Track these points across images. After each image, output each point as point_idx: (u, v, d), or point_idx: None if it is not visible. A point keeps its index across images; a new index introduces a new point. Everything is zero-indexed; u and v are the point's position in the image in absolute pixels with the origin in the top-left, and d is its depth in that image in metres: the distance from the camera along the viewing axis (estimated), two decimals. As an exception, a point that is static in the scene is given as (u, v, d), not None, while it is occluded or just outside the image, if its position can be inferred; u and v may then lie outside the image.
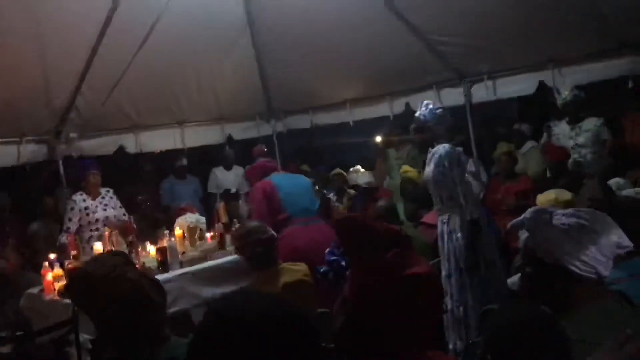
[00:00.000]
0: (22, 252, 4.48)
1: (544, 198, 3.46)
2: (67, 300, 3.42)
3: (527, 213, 2.05)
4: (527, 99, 5.16)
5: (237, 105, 6.34)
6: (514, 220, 2.14)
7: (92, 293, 1.71)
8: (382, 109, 5.92)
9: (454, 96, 5.26)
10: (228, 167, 6.70)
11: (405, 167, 5.13)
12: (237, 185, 6.62)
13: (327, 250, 3.65)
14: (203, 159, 6.96)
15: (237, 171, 6.72)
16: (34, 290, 3.82)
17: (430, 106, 3.84)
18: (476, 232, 3.54)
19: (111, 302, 1.66)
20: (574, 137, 4.88)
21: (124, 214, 4.92)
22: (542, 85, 4.77)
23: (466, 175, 3.67)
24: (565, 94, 4.71)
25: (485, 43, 4.76)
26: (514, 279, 3.51)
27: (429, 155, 3.69)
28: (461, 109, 5.17)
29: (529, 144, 5.38)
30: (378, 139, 5.86)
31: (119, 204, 4.99)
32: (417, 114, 3.87)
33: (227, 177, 6.67)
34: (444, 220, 3.63)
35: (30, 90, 4.74)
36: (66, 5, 4.21)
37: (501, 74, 5.04)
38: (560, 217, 1.98)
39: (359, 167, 6.26)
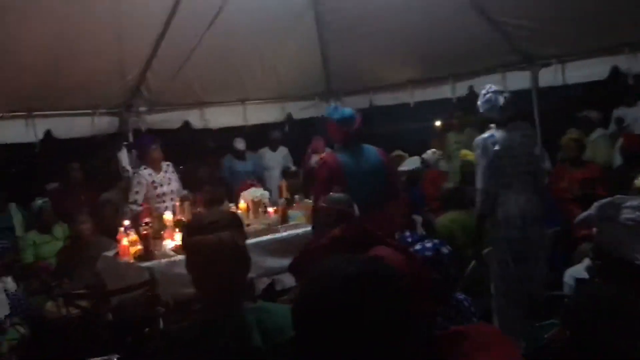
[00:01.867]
0: (95, 218, 4.72)
1: None
2: (143, 264, 3.64)
3: (593, 209, 2.04)
4: (598, 85, 5.00)
5: (297, 84, 6.44)
6: (580, 216, 2.14)
7: (193, 236, 1.79)
8: (444, 91, 5.88)
9: (520, 80, 5.15)
10: (274, 148, 6.82)
11: (465, 151, 5.09)
12: (283, 165, 6.74)
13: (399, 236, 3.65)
14: (262, 137, 7.09)
15: (283, 152, 6.85)
16: (109, 253, 4.06)
17: (483, 91, 3.79)
18: (480, 228, 3.62)
19: (198, 252, 1.73)
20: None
21: (182, 188, 5.09)
22: (614, 70, 4.61)
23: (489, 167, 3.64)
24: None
25: (555, 25, 4.63)
26: (577, 268, 3.50)
27: None
28: (527, 93, 5.07)
29: (598, 131, 5.23)
30: (440, 121, 5.82)
31: (177, 177, 5.13)
32: (479, 102, 3.82)
33: (274, 158, 6.81)
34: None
35: (106, 66, 4.96)
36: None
37: (571, 57, 4.90)
38: (626, 212, 1.96)
39: (435, 150, 6.17)
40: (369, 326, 0.94)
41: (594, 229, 2.16)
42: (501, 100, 3.67)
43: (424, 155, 5.62)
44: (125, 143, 5.37)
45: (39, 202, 4.83)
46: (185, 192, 4.94)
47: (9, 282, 4.24)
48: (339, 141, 4.02)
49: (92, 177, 5.45)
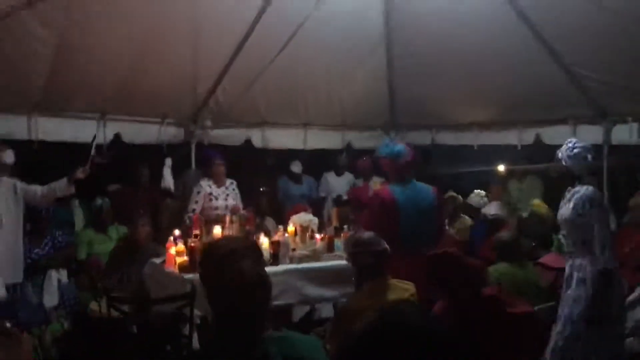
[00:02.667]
0: (153, 224, 4.86)
1: None
2: (187, 275, 3.70)
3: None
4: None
5: (360, 114, 6.46)
6: (630, 298, 2.00)
7: (213, 266, 1.79)
8: (509, 137, 5.74)
9: (591, 134, 4.95)
10: (339, 173, 6.80)
11: (537, 201, 4.90)
12: (347, 192, 6.69)
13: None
14: (320, 162, 7.11)
15: (348, 178, 6.81)
16: (157, 260, 4.16)
17: (570, 144, 3.62)
18: (606, 284, 3.29)
19: (226, 280, 1.73)
20: None
21: (242, 207, 5.15)
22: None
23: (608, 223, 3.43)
24: None
25: (634, 82, 4.45)
26: (634, 340, 3.27)
27: (567, 195, 3.50)
28: (598, 149, 4.85)
29: (669, 195, 4.92)
30: (504, 167, 5.63)
31: (239, 196, 5.20)
32: (559, 153, 3.64)
33: (338, 183, 6.77)
34: (574, 265, 3.43)
35: (178, 78, 5.16)
36: (221, 3, 4.53)
37: (649, 117, 4.68)
38: None
39: (482, 192, 6.02)
40: None
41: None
42: (590, 156, 3.51)
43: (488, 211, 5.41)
44: (168, 158, 5.51)
45: (99, 201, 5.02)
46: (243, 212, 4.96)
47: (64, 275, 4.44)
48: (392, 176, 3.99)
49: (156, 184, 5.63)
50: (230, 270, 1.74)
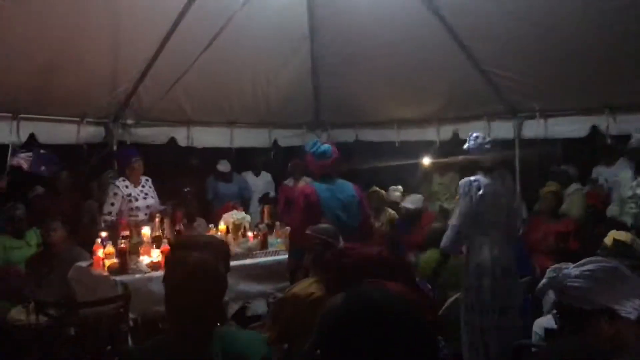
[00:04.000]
0: (71, 227, 4.64)
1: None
2: (117, 277, 3.59)
3: (548, 273, 2.09)
4: (578, 141, 5.18)
5: (286, 112, 6.51)
6: (539, 286, 2.20)
7: (172, 258, 1.79)
8: (428, 133, 6.02)
9: (504, 129, 5.31)
10: (257, 173, 6.83)
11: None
12: (265, 191, 6.74)
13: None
14: (246, 161, 7.10)
15: (266, 177, 6.86)
16: (83, 263, 3.99)
17: (479, 140, 3.89)
18: (442, 264, 3.78)
19: (187, 274, 1.74)
20: (634, 187, 4.53)
21: (161, 204, 5.04)
22: (594, 129, 4.79)
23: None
24: (634, 138, 4.58)
25: (542, 81, 4.82)
26: (546, 318, 3.56)
27: None
28: (510, 143, 5.21)
29: (574, 186, 5.38)
30: (425, 161, 5.91)
31: (155, 193, 5.06)
32: (465, 146, 3.92)
33: (256, 183, 6.81)
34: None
35: (97, 76, 4.96)
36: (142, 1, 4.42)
37: (554, 113, 5.08)
38: (580, 268, 2.02)
39: (399, 187, 6.31)
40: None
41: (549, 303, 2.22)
42: (490, 148, 3.79)
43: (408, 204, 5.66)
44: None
45: (11, 206, 4.73)
46: (163, 207, 4.88)
47: (-24, 284, 4.14)
48: (316, 174, 4.16)
49: (75, 187, 5.37)
50: (194, 258, 1.75)
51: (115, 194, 4.74)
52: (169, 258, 1.79)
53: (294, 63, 5.87)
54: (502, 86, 5.06)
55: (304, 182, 5.73)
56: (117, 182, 4.82)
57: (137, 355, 1.73)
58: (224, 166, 6.45)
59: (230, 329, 1.92)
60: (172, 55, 4.98)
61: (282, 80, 6.01)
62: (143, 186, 4.94)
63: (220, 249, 1.85)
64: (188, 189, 5.48)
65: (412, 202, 5.58)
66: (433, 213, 5.57)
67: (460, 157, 4.31)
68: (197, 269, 1.69)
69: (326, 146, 4.18)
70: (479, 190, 3.68)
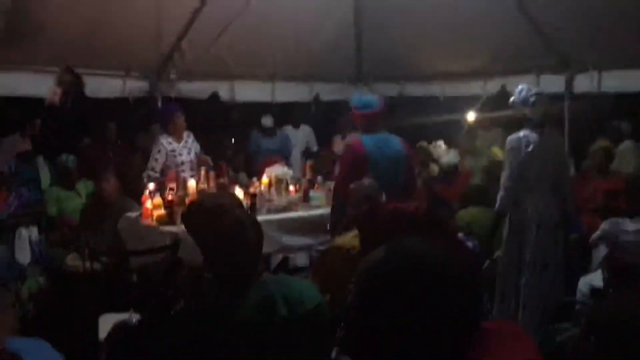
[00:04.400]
0: (121, 179, 4.80)
1: None
2: (165, 228, 3.71)
3: (603, 226, 2.04)
4: (632, 96, 4.94)
5: (328, 65, 6.40)
6: (592, 237, 2.15)
7: (203, 221, 1.84)
8: (475, 88, 5.85)
9: (554, 83, 5.09)
10: (296, 126, 6.81)
11: (497, 150, 5.07)
12: (307, 144, 6.74)
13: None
14: (287, 115, 7.09)
15: (305, 130, 6.83)
16: (132, 214, 4.14)
17: (524, 93, 3.77)
18: (497, 225, 3.67)
19: (217, 232, 1.78)
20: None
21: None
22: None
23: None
24: None
25: (596, 32, 4.57)
26: (592, 277, 3.50)
27: None
28: (560, 98, 5.02)
29: (627, 143, 5.18)
30: (470, 116, 5.77)
31: (199, 147, 5.13)
32: (511, 99, 3.81)
33: (296, 136, 6.80)
34: None
35: (142, 29, 4.98)
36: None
37: (608, 66, 4.84)
38: (637, 224, 1.96)
39: (441, 142, 6.21)
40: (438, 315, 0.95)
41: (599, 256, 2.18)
42: (540, 102, 3.67)
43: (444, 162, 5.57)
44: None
45: (64, 158, 4.90)
46: (207, 157, 4.94)
47: (34, 232, 4.36)
48: (362, 127, 4.07)
49: (124, 139, 5.52)
50: (224, 219, 1.79)
51: (159, 150, 4.83)
52: (197, 221, 1.83)
53: (336, 14, 5.74)
54: (554, 38, 4.84)
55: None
56: (160, 139, 4.90)
57: (200, 305, 1.79)
58: (267, 121, 6.47)
59: (285, 276, 1.98)
60: (216, 8, 4.96)
61: (324, 32, 5.90)
62: (186, 141, 5.00)
63: (235, 201, 1.89)
64: (229, 144, 5.54)
65: (448, 157, 5.49)
66: (473, 170, 5.47)
67: (506, 112, 4.20)
68: (234, 227, 1.74)
69: (372, 97, 4.14)
70: (528, 146, 3.59)
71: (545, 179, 3.67)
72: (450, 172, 5.41)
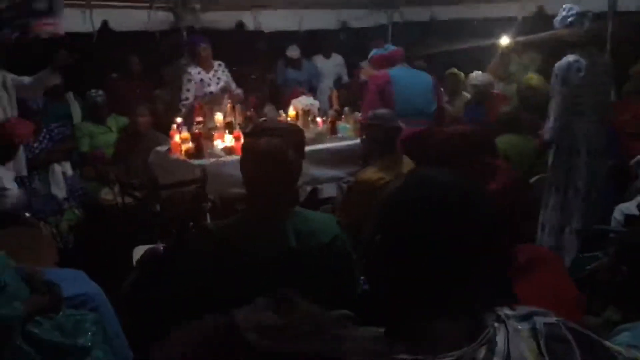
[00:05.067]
0: (151, 113, 4.82)
1: None
2: (194, 161, 3.75)
3: None
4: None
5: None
6: (633, 161, 2.06)
7: (252, 141, 1.84)
8: (510, 9, 5.55)
9: (596, 1, 4.75)
10: (327, 55, 6.63)
11: (531, 75, 4.86)
12: (337, 73, 6.59)
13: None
14: (314, 44, 6.90)
15: (337, 59, 6.65)
16: (162, 148, 4.18)
17: (563, 12, 3.55)
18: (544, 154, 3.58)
19: (259, 155, 1.78)
20: None
21: (236, 87, 5.09)
22: None
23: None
24: None
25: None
26: (628, 205, 3.42)
27: None
28: (602, 16, 4.71)
29: (672, 63, 4.87)
30: (504, 40, 5.48)
31: (230, 77, 5.09)
32: (554, 20, 3.61)
33: (327, 65, 6.63)
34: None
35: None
36: None
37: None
38: None
39: (479, 72, 5.96)
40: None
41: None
42: (587, 23, 3.46)
43: (473, 80, 5.31)
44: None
45: (93, 94, 4.93)
46: (239, 90, 4.92)
47: (68, 168, 4.46)
48: (386, 65, 4.15)
49: (149, 72, 5.50)
50: (264, 144, 1.79)
51: (188, 80, 4.83)
52: (244, 144, 1.84)
53: None
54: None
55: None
56: (189, 69, 4.88)
57: (217, 231, 1.83)
58: (293, 52, 6.31)
59: (302, 210, 1.98)
60: None
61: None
62: (216, 70, 4.96)
63: (296, 136, 1.88)
64: (254, 76, 5.46)
65: (478, 79, 5.25)
66: (506, 95, 5.25)
67: (544, 34, 3.99)
68: (269, 155, 1.73)
69: (390, 47, 4.33)
70: (580, 71, 3.43)
71: (595, 104, 3.54)
72: (480, 95, 5.16)
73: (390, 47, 4.32)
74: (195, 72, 4.84)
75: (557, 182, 3.64)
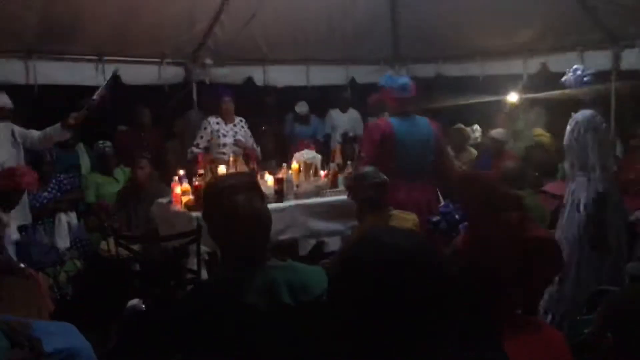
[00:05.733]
0: (156, 165, 4.89)
1: None
2: (192, 213, 3.76)
3: None
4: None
5: (363, 47, 6.32)
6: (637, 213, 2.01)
7: (214, 202, 1.83)
8: (515, 67, 5.62)
9: (599, 60, 4.82)
10: (344, 110, 6.73)
11: (539, 131, 4.87)
12: (352, 128, 6.65)
13: (442, 204, 3.68)
14: (324, 99, 7.03)
15: (352, 114, 6.74)
16: (164, 200, 4.21)
17: (579, 72, 3.57)
18: (601, 207, 3.33)
19: (227, 214, 1.76)
20: None
21: (253, 144, 5.17)
22: None
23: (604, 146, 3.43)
24: None
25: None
26: (635, 264, 3.33)
27: (570, 121, 3.51)
28: (606, 75, 4.75)
29: (676, 123, 4.86)
30: (512, 97, 5.50)
31: (249, 134, 5.20)
32: (563, 79, 3.62)
33: (342, 119, 6.71)
34: (572, 190, 3.47)
35: (176, 16, 5.05)
36: None
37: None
38: None
39: (477, 126, 6.04)
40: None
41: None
42: (589, 81, 3.50)
43: (495, 134, 5.34)
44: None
45: (100, 145, 5.03)
46: (255, 148, 5.00)
47: (73, 218, 4.52)
48: (392, 108, 3.97)
49: (158, 125, 5.63)
50: (227, 204, 1.77)
51: (205, 128, 4.98)
52: (207, 203, 1.81)
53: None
54: (600, 10, 4.56)
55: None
56: (209, 118, 5.03)
57: (205, 287, 1.80)
58: (302, 108, 6.42)
59: (291, 262, 1.95)
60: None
61: (358, 13, 5.80)
62: (235, 125, 5.08)
63: (251, 185, 1.85)
64: (264, 128, 5.55)
65: (498, 133, 5.28)
66: (513, 152, 5.26)
67: (557, 92, 3.99)
68: (235, 214, 1.71)
69: (405, 78, 4.06)
70: (602, 124, 3.42)
71: (607, 157, 3.50)
72: (495, 150, 5.17)
73: (408, 86, 3.92)
74: (214, 121, 4.98)
75: (563, 235, 3.50)
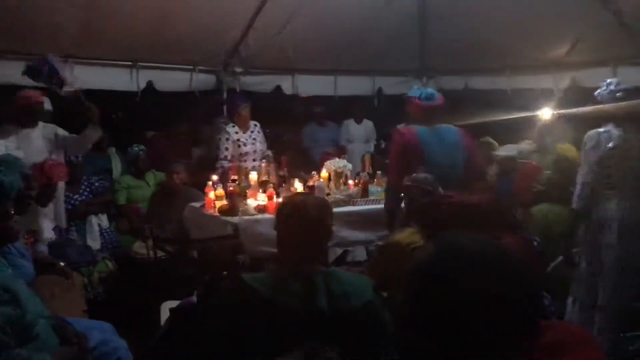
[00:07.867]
0: (188, 171, 4.95)
1: None
2: (226, 218, 3.80)
3: None
4: None
5: (391, 59, 6.34)
6: None
7: (286, 213, 1.93)
8: (544, 81, 5.61)
9: (633, 75, 4.77)
10: (359, 121, 6.75)
11: (566, 145, 4.84)
12: (366, 140, 6.68)
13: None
14: (348, 109, 7.05)
15: (368, 125, 6.75)
16: (196, 204, 4.26)
17: (612, 87, 3.55)
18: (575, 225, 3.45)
19: (299, 219, 1.89)
20: None
21: (267, 149, 5.20)
22: None
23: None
24: None
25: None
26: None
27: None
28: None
29: None
30: (546, 113, 5.47)
31: (264, 138, 5.24)
32: (595, 93, 3.60)
33: (358, 131, 6.74)
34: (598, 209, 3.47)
35: (208, 24, 5.12)
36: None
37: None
38: None
39: (508, 145, 5.98)
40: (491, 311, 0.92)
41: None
42: (623, 96, 3.46)
43: (520, 146, 5.30)
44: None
45: (135, 148, 5.10)
46: (269, 152, 5.03)
47: (104, 220, 4.58)
48: (421, 119, 3.87)
49: (188, 130, 5.70)
50: (303, 215, 1.91)
51: (227, 139, 4.98)
52: (279, 213, 1.98)
53: (399, 6, 5.65)
54: (633, 24, 4.53)
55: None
56: (227, 128, 5.04)
57: (248, 283, 1.83)
58: (318, 108, 6.49)
59: (335, 270, 2.01)
60: (279, 2, 5.01)
61: (387, 25, 5.82)
62: (252, 131, 5.11)
63: (324, 204, 2.02)
64: (286, 137, 5.59)
65: (505, 150, 5.22)
66: (537, 166, 5.20)
67: (589, 108, 3.97)
68: (306, 220, 1.86)
69: (432, 90, 4.06)
70: (609, 142, 3.40)
71: (629, 178, 3.42)
72: (505, 167, 5.10)
73: (436, 96, 3.92)
74: (232, 131, 5.00)
75: (590, 257, 3.51)
